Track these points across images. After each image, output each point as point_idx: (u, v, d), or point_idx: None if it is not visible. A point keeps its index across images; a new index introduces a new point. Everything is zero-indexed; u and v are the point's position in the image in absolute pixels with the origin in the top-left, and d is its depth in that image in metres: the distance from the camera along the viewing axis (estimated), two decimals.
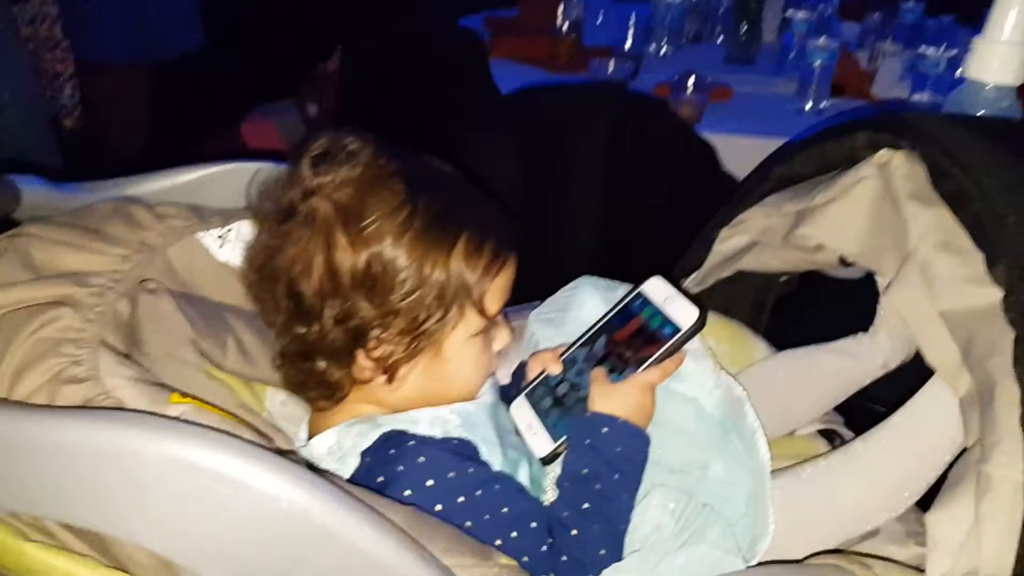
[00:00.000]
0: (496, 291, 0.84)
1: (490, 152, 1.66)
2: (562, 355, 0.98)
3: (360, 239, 0.77)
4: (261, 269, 0.81)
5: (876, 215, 0.95)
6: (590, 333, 0.98)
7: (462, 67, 2.03)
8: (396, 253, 0.78)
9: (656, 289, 0.95)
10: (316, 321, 0.79)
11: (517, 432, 0.94)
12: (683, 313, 0.90)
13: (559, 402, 0.94)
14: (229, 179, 1.01)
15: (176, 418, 0.65)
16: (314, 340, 0.80)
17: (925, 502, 0.94)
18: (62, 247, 0.80)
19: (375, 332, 0.79)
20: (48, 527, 0.66)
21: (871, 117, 0.96)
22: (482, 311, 0.83)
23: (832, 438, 1.09)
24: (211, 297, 0.92)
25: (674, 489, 0.87)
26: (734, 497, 0.89)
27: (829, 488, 0.93)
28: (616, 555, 0.82)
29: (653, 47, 2.47)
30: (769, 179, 1.09)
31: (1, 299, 0.73)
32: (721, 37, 2.58)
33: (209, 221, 0.94)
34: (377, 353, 0.81)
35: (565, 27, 2.48)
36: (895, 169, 0.92)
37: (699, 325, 0.89)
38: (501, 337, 0.90)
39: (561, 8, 2.51)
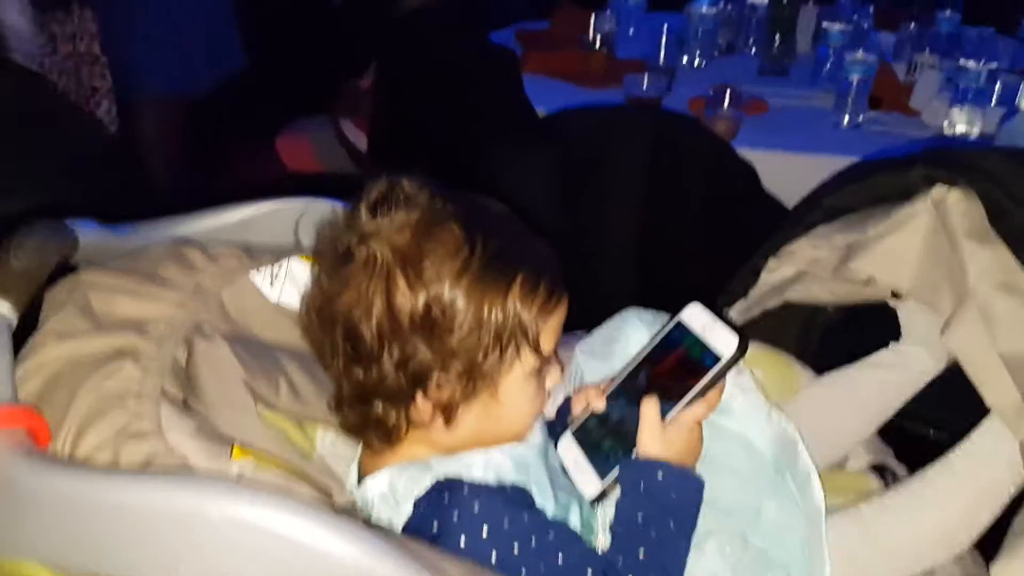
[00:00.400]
0: (550, 330, 0.84)
1: (526, 172, 1.65)
2: (606, 390, 0.97)
3: (419, 282, 0.77)
4: (320, 313, 0.81)
5: (931, 251, 0.94)
6: (633, 366, 0.97)
7: (496, 84, 2.02)
8: (455, 295, 0.78)
9: (695, 317, 0.93)
10: (375, 364, 0.79)
11: (565, 471, 0.94)
12: (723, 341, 0.88)
13: (605, 439, 0.93)
14: (278, 216, 1.01)
15: (238, 476, 0.66)
16: (373, 383, 0.80)
17: (982, 542, 0.93)
18: (120, 294, 0.80)
19: (434, 375, 0.80)
20: None
21: (926, 152, 0.95)
22: (537, 350, 0.83)
23: (883, 472, 1.08)
24: (262, 336, 0.93)
25: (729, 534, 0.86)
26: (789, 540, 0.89)
27: (885, 529, 0.92)
28: None
29: (686, 59, 2.45)
30: (818, 209, 1.08)
31: (64, 350, 0.74)
32: (754, 48, 2.56)
33: (260, 260, 0.94)
34: (436, 395, 0.81)
35: (597, 41, 2.47)
36: (952, 206, 0.91)
37: (740, 353, 0.88)
38: (553, 375, 0.90)
39: (592, 21, 2.51)
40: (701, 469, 0.88)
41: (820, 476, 0.93)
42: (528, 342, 0.81)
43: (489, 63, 2.07)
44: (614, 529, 0.85)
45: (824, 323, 1.20)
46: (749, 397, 0.99)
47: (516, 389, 0.84)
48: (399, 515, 0.81)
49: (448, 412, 0.82)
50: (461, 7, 2.54)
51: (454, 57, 2.12)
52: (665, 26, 2.41)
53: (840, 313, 1.20)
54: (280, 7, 2.83)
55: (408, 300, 0.77)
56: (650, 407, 0.87)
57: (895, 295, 1.02)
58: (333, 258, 0.80)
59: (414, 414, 0.82)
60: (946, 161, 0.92)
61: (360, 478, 0.87)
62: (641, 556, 0.81)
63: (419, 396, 0.80)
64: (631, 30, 2.66)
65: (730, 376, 0.90)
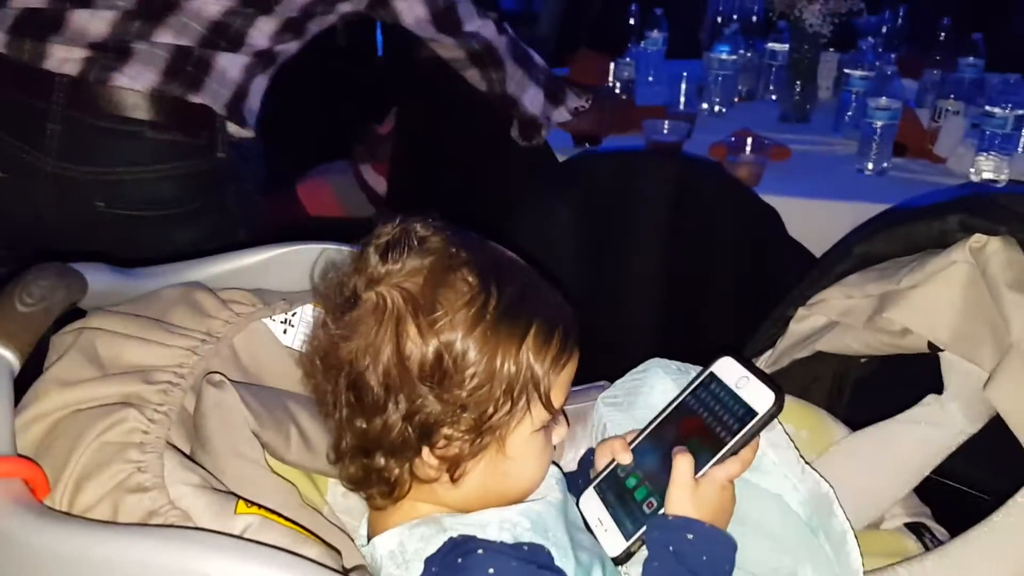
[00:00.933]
0: (562, 383, 0.81)
1: (546, 217, 1.63)
2: (631, 443, 0.93)
3: (431, 330, 0.74)
4: (325, 359, 0.78)
5: (970, 301, 0.91)
6: (660, 419, 0.93)
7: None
8: (467, 345, 0.74)
9: (728, 370, 0.90)
10: (379, 415, 0.75)
11: (588, 527, 0.90)
12: (758, 396, 0.85)
13: (630, 495, 0.89)
14: (294, 261, 0.99)
15: (242, 535, 0.63)
16: (376, 435, 0.76)
17: None
18: (127, 341, 0.78)
19: (444, 430, 0.76)
20: None
21: (963, 198, 0.92)
22: (548, 405, 0.79)
23: (920, 532, 1.03)
24: (274, 384, 0.90)
25: None
26: None
27: None
28: None
29: (706, 106, 2.44)
30: (850, 257, 1.04)
31: (67, 398, 0.72)
32: (775, 95, 2.55)
33: (274, 306, 0.92)
34: (443, 450, 0.77)
35: (616, 87, 2.47)
36: (992, 255, 0.87)
37: (776, 409, 0.84)
38: (559, 431, 0.86)
39: (612, 68, 2.50)
40: (731, 530, 0.84)
41: (855, 529, 0.88)
42: (540, 396, 0.78)
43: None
44: None
45: (857, 376, 1.16)
46: (781, 453, 0.94)
47: (524, 444, 0.80)
48: (409, 575, 0.77)
49: (455, 467, 0.78)
50: None
51: (472, 102, 2.11)
52: (684, 73, 2.41)
53: (874, 365, 1.16)
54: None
55: (419, 348, 0.74)
56: (683, 463, 0.83)
57: (932, 348, 0.98)
58: (339, 302, 0.77)
59: (419, 469, 0.78)
60: (985, 208, 0.89)
61: (369, 536, 0.84)
62: None
63: (425, 450, 0.77)
64: (650, 77, 2.66)
65: (762, 432, 0.87)
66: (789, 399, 1.07)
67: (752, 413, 0.84)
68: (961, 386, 0.99)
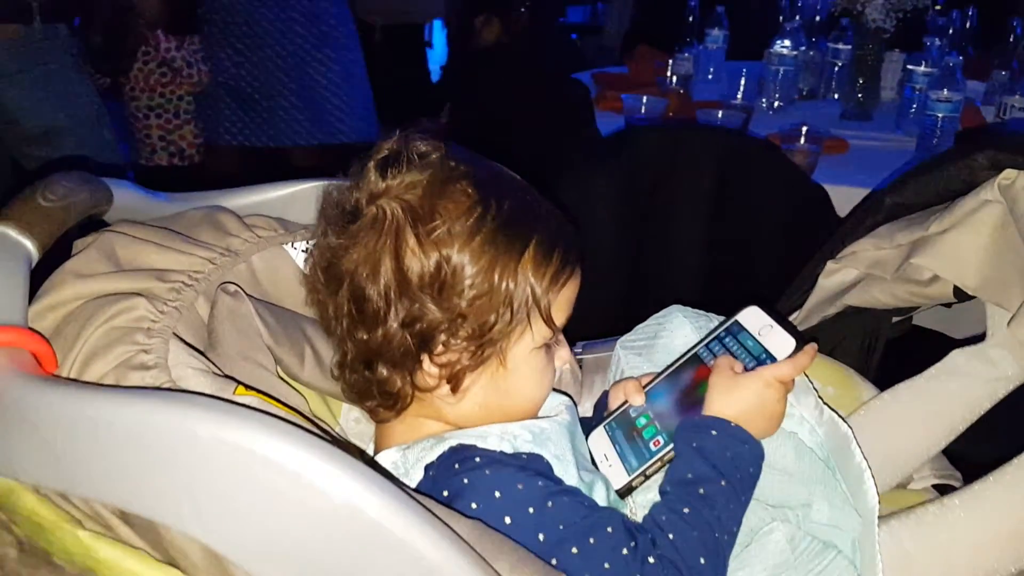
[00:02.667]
0: (562, 302, 0.81)
1: (593, 193, 1.63)
2: (646, 385, 0.93)
3: (429, 241, 0.75)
4: (326, 271, 0.79)
5: (999, 242, 0.88)
6: (678, 363, 0.93)
7: (567, 113, 2.02)
8: (465, 256, 0.75)
9: (753, 318, 0.89)
10: (380, 325, 0.76)
11: (594, 463, 0.89)
12: (779, 344, 0.85)
13: (638, 433, 0.89)
14: (317, 196, 1.00)
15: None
16: (377, 346, 0.77)
17: None
18: (147, 245, 0.80)
19: (442, 337, 0.76)
20: (104, 517, 0.64)
21: (993, 135, 0.89)
22: (548, 321, 0.79)
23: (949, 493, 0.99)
24: (290, 307, 0.92)
25: (780, 531, 0.80)
26: (839, 540, 0.82)
27: (945, 533, 0.84)
28: (718, 570, 0.76)
29: (765, 102, 2.41)
30: (880, 209, 1.02)
31: (82, 290, 0.74)
32: (836, 94, 2.51)
33: (295, 234, 0.94)
34: (443, 359, 0.78)
35: (673, 81, 2.46)
36: (1022, 190, 0.84)
37: None
38: (561, 355, 0.87)
39: (670, 63, 2.50)
40: None
41: (880, 495, 0.86)
42: (540, 311, 0.78)
43: (560, 93, 2.08)
44: (663, 489, 0.80)
45: (887, 337, 1.12)
46: (801, 398, 0.93)
47: (524, 361, 0.80)
48: (409, 482, 0.77)
49: (455, 379, 0.78)
50: (533, 45, 2.58)
51: (528, 89, 2.14)
52: (744, 69, 2.39)
53: (906, 327, 1.13)
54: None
55: (418, 259, 0.75)
56: (724, 359, 0.85)
57: (959, 294, 0.95)
58: (339, 215, 0.79)
59: (419, 380, 0.79)
60: (1014, 142, 0.85)
61: (375, 454, 0.85)
62: (686, 511, 0.76)
63: (425, 359, 0.77)
64: (710, 74, 2.65)
65: None
66: (818, 357, 1.05)
67: (772, 359, 0.84)
68: (1002, 331, 0.95)
